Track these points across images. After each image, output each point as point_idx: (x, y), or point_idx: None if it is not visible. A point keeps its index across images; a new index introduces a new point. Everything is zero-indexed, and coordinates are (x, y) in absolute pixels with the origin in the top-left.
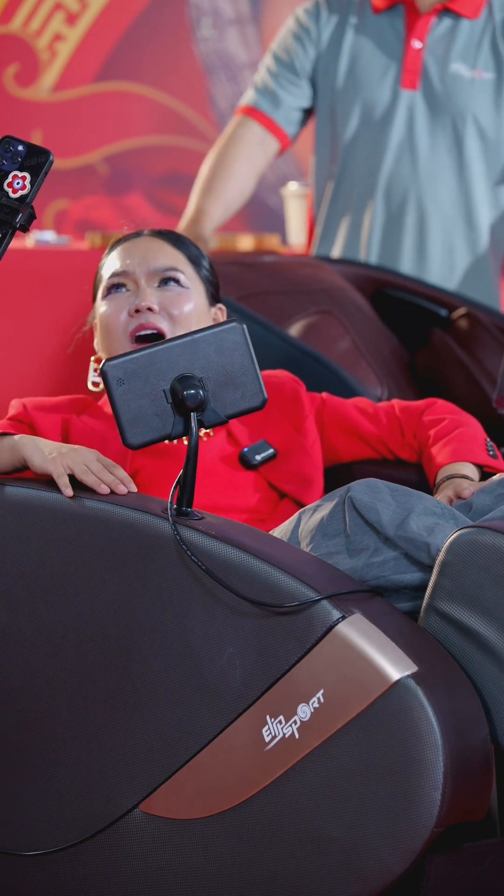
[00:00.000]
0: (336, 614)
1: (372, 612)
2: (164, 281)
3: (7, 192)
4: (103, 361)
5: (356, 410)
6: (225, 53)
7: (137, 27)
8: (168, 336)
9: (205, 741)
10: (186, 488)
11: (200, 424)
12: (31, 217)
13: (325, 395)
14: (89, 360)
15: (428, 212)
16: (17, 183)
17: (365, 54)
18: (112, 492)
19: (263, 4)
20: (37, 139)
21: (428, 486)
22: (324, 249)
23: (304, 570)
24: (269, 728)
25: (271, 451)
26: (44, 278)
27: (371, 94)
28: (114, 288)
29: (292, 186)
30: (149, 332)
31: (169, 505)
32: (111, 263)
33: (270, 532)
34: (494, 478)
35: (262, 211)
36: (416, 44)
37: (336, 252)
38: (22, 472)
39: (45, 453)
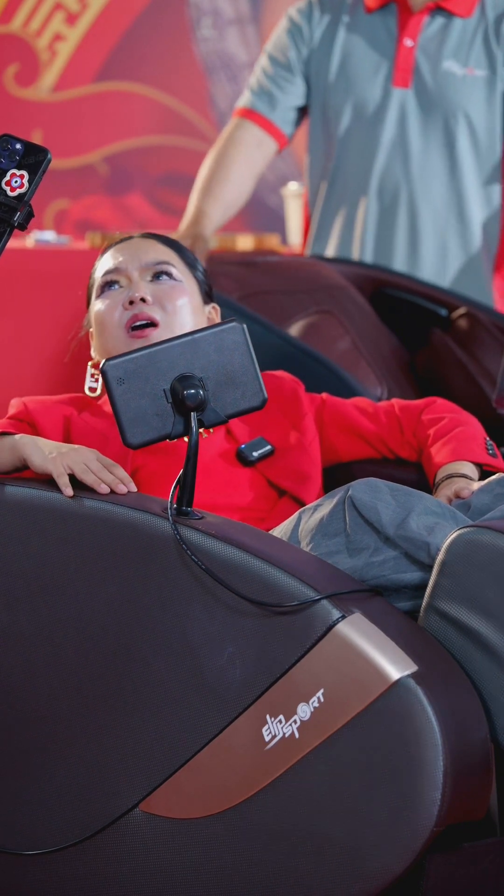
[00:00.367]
0: (336, 614)
1: (372, 611)
2: (157, 275)
3: (5, 191)
4: (104, 361)
5: (356, 410)
6: (225, 53)
7: (137, 27)
8: (162, 326)
9: (205, 741)
10: (186, 488)
11: (200, 424)
12: (30, 215)
13: (324, 395)
14: (88, 361)
15: (420, 210)
16: (15, 181)
17: (357, 52)
18: (112, 491)
19: (263, 4)
20: (37, 139)
21: (428, 486)
22: (318, 248)
23: (304, 569)
24: (269, 727)
25: (269, 447)
26: (44, 278)
27: (363, 92)
28: (107, 286)
29: (292, 186)
30: (143, 322)
31: (169, 504)
32: (104, 264)
33: (270, 532)
34: (493, 477)
35: (261, 211)
36: (409, 42)
37: (330, 250)
38: (22, 472)
39: (45, 453)
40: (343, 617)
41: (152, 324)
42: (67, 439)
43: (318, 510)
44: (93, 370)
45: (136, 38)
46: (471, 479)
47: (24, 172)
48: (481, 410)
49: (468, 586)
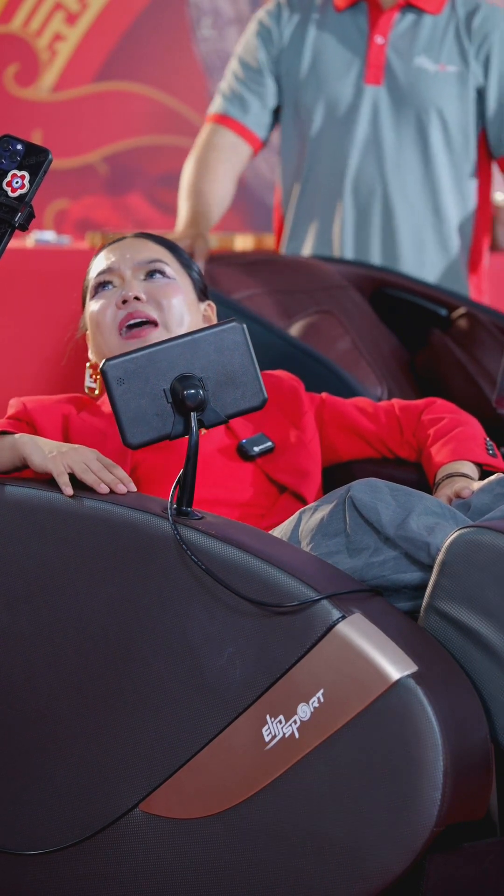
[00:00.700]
0: (336, 614)
1: (372, 611)
2: (150, 273)
3: (6, 191)
4: (103, 361)
5: (355, 409)
6: (225, 53)
7: (137, 27)
8: (158, 324)
9: (205, 741)
10: (186, 488)
11: (200, 424)
12: (30, 216)
13: (324, 394)
14: (87, 361)
15: (396, 207)
16: (16, 182)
17: (327, 51)
18: (112, 491)
19: (263, 4)
20: (37, 139)
21: (427, 486)
22: (293, 248)
23: (304, 569)
24: (269, 727)
25: (269, 443)
26: (44, 278)
27: (335, 91)
28: (101, 286)
29: None
30: (138, 320)
31: (169, 504)
32: (97, 264)
33: (270, 531)
34: (493, 477)
35: (261, 211)
36: (379, 39)
37: (306, 250)
38: (22, 472)
39: (45, 452)
40: (343, 617)
41: (148, 322)
42: (66, 438)
43: (319, 510)
44: (91, 371)
45: (136, 38)
46: (471, 478)
47: (25, 173)
48: (481, 411)
49: (468, 586)
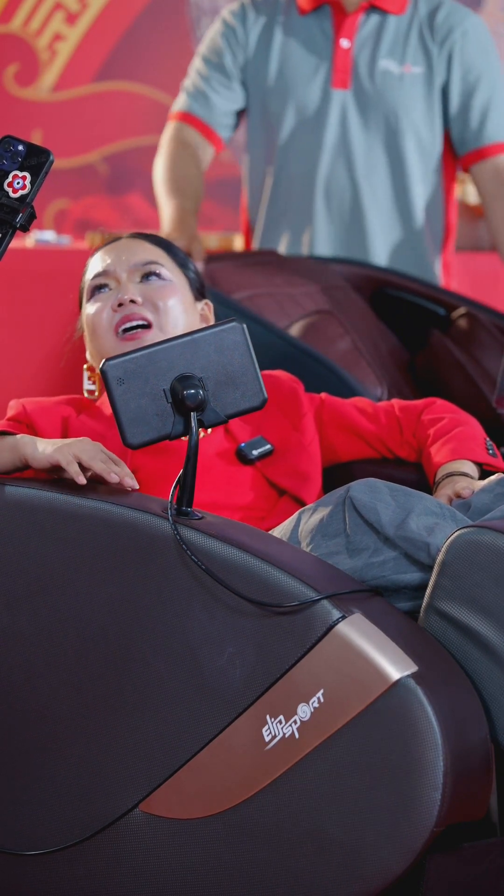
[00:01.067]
0: (336, 614)
1: (372, 611)
2: (146, 276)
3: (7, 192)
4: (103, 361)
5: (355, 409)
6: None
7: (137, 27)
8: (154, 327)
9: (205, 741)
10: (186, 488)
11: (200, 424)
12: (32, 217)
13: (324, 394)
14: (84, 364)
15: (367, 211)
16: (18, 183)
17: (294, 56)
18: (120, 483)
19: None
20: (37, 139)
21: (427, 486)
22: None
23: (304, 569)
24: (269, 728)
25: (268, 446)
26: (44, 278)
27: (303, 96)
28: (97, 289)
29: None
30: (135, 323)
31: (169, 504)
32: (92, 267)
33: (270, 532)
34: (493, 477)
35: None
36: (345, 43)
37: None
38: (22, 472)
39: (49, 446)
40: (343, 617)
41: (144, 324)
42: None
43: (318, 511)
44: (89, 373)
45: (136, 38)
46: (471, 477)
47: (27, 174)
48: (481, 411)
49: (468, 586)
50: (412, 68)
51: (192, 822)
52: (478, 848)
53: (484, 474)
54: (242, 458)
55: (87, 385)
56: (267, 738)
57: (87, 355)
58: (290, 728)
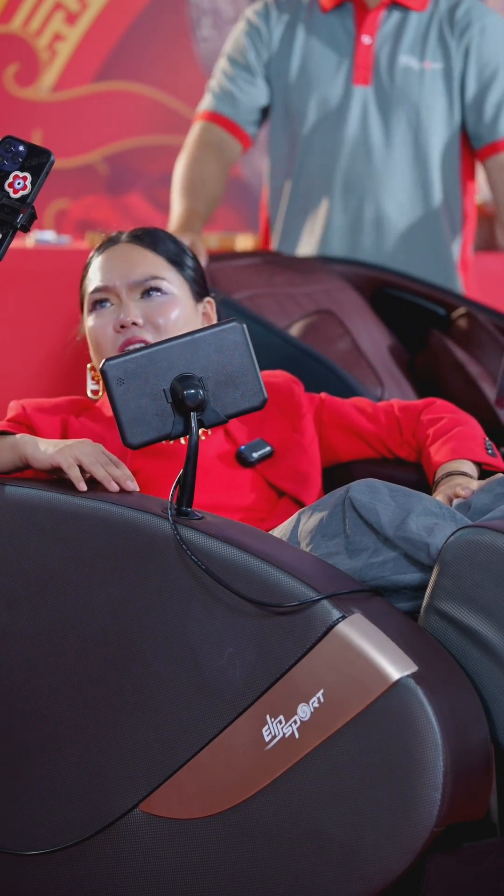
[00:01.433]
0: (336, 614)
1: (372, 611)
2: (147, 292)
3: (8, 193)
4: (104, 361)
5: (355, 409)
6: None
7: (137, 27)
8: None
9: (205, 741)
10: (186, 488)
11: (200, 424)
12: (32, 217)
13: (323, 394)
14: (88, 361)
15: (386, 207)
16: (18, 183)
17: (316, 52)
18: (120, 488)
19: None
20: (37, 139)
21: (427, 486)
22: (285, 248)
23: (304, 569)
24: (269, 728)
25: (268, 448)
26: (44, 278)
27: (324, 92)
28: (98, 304)
29: None
30: (137, 346)
31: (169, 505)
32: (93, 277)
33: (270, 532)
34: (493, 477)
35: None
36: (366, 39)
37: (299, 251)
38: (22, 472)
39: (50, 447)
40: (343, 617)
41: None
42: None
43: (318, 511)
44: (93, 373)
45: (136, 38)
46: (471, 477)
47: (27, 174)
48: (480, 411)
49: (468, 586)
50: (432, 64)
51: (192, 822)
52: (478, 848)
53: (483, 474)
54: (243, 460)
55: (91, 385)
56: (267, 738)
57: (92, 355)
58: (290, 728)
